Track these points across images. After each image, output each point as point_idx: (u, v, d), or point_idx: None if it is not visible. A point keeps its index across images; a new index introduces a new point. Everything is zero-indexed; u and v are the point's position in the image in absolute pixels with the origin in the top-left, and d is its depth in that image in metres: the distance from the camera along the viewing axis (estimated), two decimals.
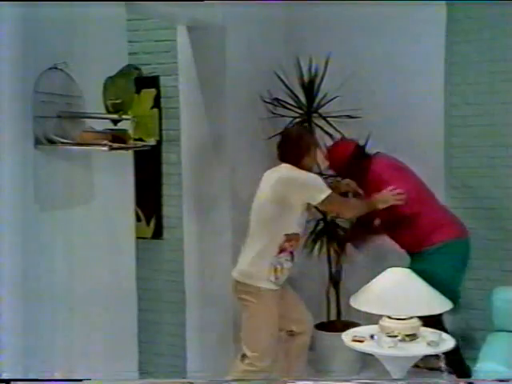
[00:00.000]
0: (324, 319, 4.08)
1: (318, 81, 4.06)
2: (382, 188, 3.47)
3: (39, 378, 2.29)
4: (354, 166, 3.64)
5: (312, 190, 3.17)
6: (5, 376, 2.20)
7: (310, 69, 4.06)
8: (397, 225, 3.60)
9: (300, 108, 4.09)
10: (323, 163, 3.73)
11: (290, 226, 3.17)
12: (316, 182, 3.20)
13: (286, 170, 3.23)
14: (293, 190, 3.16)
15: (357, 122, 3.99)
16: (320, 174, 3.58)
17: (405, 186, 3.52)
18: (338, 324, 3.97)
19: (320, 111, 4.05)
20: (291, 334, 3.38)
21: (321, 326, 3.97)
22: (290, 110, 4.09)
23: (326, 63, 3.99)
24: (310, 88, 4.08)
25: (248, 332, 3.18)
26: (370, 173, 3.64)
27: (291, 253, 3.19)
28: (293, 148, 3.26)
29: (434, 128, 4.10)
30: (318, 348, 3.95)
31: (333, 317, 4.09)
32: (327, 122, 4.00)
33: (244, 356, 3.20)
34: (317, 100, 4.06)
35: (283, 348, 3.33)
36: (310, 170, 3.29)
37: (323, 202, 3.17)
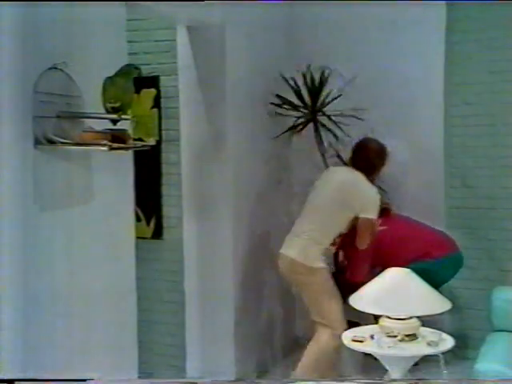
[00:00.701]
0: None
1: (323, 81, 4.05)
2: None
3: (43, 378, 2.29)
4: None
5: (369, 205, 3.47)
6: (8, 376, 2.20)
7: (311, 75, 4.07)
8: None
9: (304, 107, 4.08)
10: None
11: (344, 226, 3.53)
12: (376, 200, 3.50)
13: (358, 176, 3.53)
14: (358, 196, 3.49)
15: (356, 122, 3.99)
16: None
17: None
18: None
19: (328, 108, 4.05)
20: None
21: None
22: (295, 109, 4.09)
23: (325, 75, 4.00)
24: (314, 88, 4.07)
25: (320, 306, 3.50)
26: None
27: (334, 244, 3.67)
28: (373, 160, 3.59)
29: (434, 128, 4.10)
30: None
31: None
32: (332, 120, 3.99)
33: (318, 336, 3.50)
34: (320, 99, 4.06)
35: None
36: (373, 182, 3.57)
37: (367, 220, 3.45)
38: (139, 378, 3.12)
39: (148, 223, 3.95)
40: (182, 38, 3.68)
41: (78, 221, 2.64)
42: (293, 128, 4.13)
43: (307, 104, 4.11)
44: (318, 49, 4.17)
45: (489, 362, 2.76)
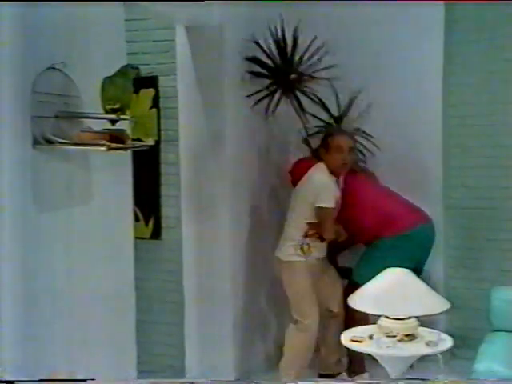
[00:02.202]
0: None
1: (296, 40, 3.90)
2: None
3: (43, 379, 2.29)
4: None
5: (322, 194, 3.58)
6: (8, 377, 2.20)
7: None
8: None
9: (276, 71, 3.85)
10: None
11: (308, 217, 3.62)
12: (329, 189, 3.59)
13: (316, 166, 3.68)
14: (311, 187, 3.64)
15: (355, 122, 4.00)
16: None
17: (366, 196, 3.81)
18: None
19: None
20: (330, 313, 3.81)
21: None
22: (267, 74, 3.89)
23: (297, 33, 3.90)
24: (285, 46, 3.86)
25: (291, 299, 3.71)
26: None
27: (319, 237, 3.66)
28: (320, 145, 3.74)
29: (433, 128, 4.10)
30: None
31: None
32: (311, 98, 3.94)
33: (295, 321, 3.69)
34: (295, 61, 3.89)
35: (323, 324, 3.75)
36: (336, 169, 3.64)
37: (321, 209, 3.58)
38: (138, 377, 3.12)
39: (147, 223, 3.95)
40: (180, 38, 3.68)
41: (77, 221, 2.64)
42: (267, 95, 3.88)
43: (279, 66, 3.86)
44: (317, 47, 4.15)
45: (487, 361, 2.76)
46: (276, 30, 3.88)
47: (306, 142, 4.07)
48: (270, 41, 3.90)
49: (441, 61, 4.07)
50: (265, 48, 3.86)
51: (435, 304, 2.81)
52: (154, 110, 3.89)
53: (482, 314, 3.39)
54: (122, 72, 2.59)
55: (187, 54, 3.67)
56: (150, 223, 3.95)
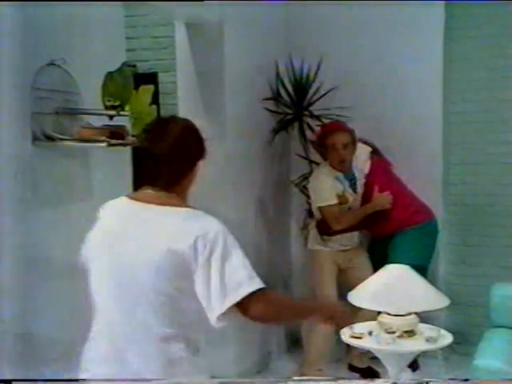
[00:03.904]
0: None
1: (310, 79, 4.07)
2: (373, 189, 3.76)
3: (39, 378, 2.29)
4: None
5: (315, 195, 3.76)
6: (5, 376, 2.20)
7: (301, 70, 4.08)
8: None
9: (291, 106, 4.09)
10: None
11: (316, 213, 3.77)
12: (318, 187, 3.71)
13: (316, 168, 3.93)
14: (309, 189, 3.85)
15: (353, 121, 4.00)
16: None
17: (390, 187, 3.79)
18: None
19: (316, 109, 4.06)
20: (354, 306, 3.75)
21: None
22: (283, 107, 4.10)
23: (319, 64, 4.03)
24: (300, 86, 4.08)
25: (313, 288, 3.84)
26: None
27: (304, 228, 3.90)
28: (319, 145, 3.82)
29: (432, 125, 4.10)
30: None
31: None
32: (319, 119, 4.01)
33: None
34: (307, 98, 4.08)
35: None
36: (336, 166, 3.70)
37: (319, 208, 3.72)
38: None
39: None
40: (180, 35, 3.67)
41: (77, 217, 2.64)
42: (281, 128, 4.11)
43: (294, 100, 4.10)
44: (316, 44, 4.16)
45: (487, 358, 2.76)
46: (292, 65, 4.10)
47: (313, 145, 4.07)
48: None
49: (441, 58, 4.07)
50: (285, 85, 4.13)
51: (435, 300, 2.81)
52: (154, 106, 3.89)
53: (482, 310, 3.39)
54: (123, 69, 2.60)
55: (187, 51, 3.66)
56: None
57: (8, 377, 2.25)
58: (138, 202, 1.91)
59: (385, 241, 3.84)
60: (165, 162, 1.90)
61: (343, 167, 3.72)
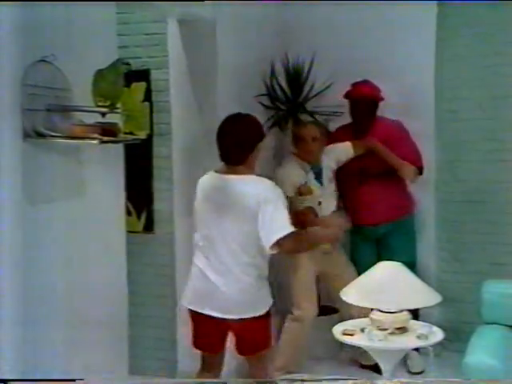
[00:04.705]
0: None
1: (303, 76, 4.07)
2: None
3: (36, 379, 2.29)
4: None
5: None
6: (2, 376, 2.20)
7: (295, 65, 4.08)
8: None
9: (285, 102, 4.08)
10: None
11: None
12: (280, 180, 3.47)
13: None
14: None
15: (347, 118, 4.00)
16: None
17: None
18: (326, 309, 4.06)
19: (310, 105, 4.06)
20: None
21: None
22: (275, 104, 4.09)
23: (312, 60, 4.04)
24: (295, 82, 4.08)
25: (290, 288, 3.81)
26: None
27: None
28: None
29: (425, 122, 4.10)
30: None
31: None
32: (312, 116, 4.02)
33: (290, 311, 3.78)
34: (302, 95, 4.08)
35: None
36: (303, 158, 3.72)
37: None
38: (129, 372, 3.12)
39: (139, 217, 3.93)
40: (172, 32, 3.66)
41: (68, 215, 2.64)
42: (274, 124, 4.12)
43: (288, 97, 4.10)
44: (309, 41, 4.16)
45: (478, 354, 2.77)
46: (288, 62, 4.09)
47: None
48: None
49: (433, 55, 4.07)
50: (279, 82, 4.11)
51: (427, 297, 2.82)
52: (146, 103, 3.87)
53: (473, 307, 3.40)
54: (114, 66, 2.58)
55: (179, 48, 3.65)
56: (143, 217, 3.93)
57: (7, 377, 2.25)
58: (222, 174, 2.87)
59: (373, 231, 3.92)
60: (236, 146, 2.82)
61: (310, 158, 3.73)
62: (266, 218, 2.70)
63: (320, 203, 3.76)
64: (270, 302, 2.89)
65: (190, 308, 2.91)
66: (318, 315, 3.95)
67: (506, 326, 3.10)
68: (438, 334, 2.82)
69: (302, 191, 3.71)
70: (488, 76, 4.06)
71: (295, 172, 3.73)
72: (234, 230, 2.77)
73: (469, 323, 3.58)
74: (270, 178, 2.96)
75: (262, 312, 2.83)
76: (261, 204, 2.71)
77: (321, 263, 3.77)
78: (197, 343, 2.97)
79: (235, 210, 2.76)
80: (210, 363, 3.00)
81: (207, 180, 2.93)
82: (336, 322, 3.10)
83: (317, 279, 3.90)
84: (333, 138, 3.98)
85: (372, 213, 3.90)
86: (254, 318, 2.81)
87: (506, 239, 4.09)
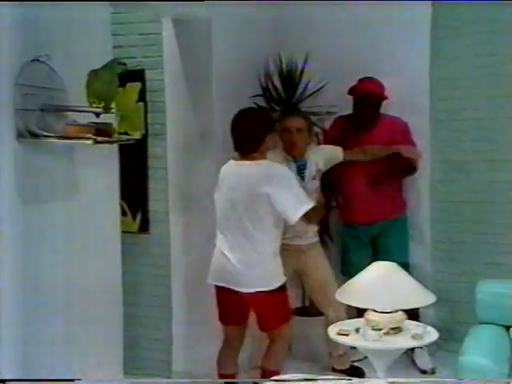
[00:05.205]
0: (299, 304, 4.20)
1: (297, 76, 4.08)
2: None
3: (34, 379, 2.29)
4: None
5: None
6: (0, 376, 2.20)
7: (288, 66, 4.09)
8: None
9: (280, 103, 4.09)
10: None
11: None
12: None
13: None
14: None
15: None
16: None
17: None
18: (311, 310, 4.07)
19: (304, 105, 4.07)
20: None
21: (296, 312, 4.02)
22: (269, 104, 4.10)
23: (306, 61, 4.05)
24: (288, 83, 4.09)
25: None
26: None
27: None
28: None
29: (420, 122, 4.10)
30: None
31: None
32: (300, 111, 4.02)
33: None
34: (297, 95, 4.09)
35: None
36: (286, 150, 3.73)
37: None
38: (125, 372, 3.11)
39: (134, 217, 3.93)
40: (167, 32, 3.66)
41: (62, 215, 2.63)
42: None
43: (282, 97, 4.11)
44: (304, 42, 4.17)
45: (472, 354, 2.77)
46: (281, 62, 4.10)
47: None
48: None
49: (428, 55, 4.08)
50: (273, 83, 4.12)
51: (422, 297, 2.82)
52: (141, 103, 3.87)
53: (468, 307, 3.40)
54: (108, 67, 2.58)
55: (174, 48, 3.66)
56: (138, 217, 3.93)
57: (7, 377, 2.24)
58: (237, 161, 3.20)
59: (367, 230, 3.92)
60: (248, 138, 3.15)
61: (294, 150, 3.69)
62: (288, 195, 3.04)
63: None
64: (282, 277, 3.16)
65: (213, 283, 3.23)
66: (303, 316, 3.97)
67: (501, 325, 3.10)
68: (432, 334, 2.82)
69: None
70: (483, 76, 4.07)
71: (280, 162, 3.66)
72: (247, 210, 3.07)
73: (463, 323, 3.59)
74: None
75: (274, 286, 3.10)
76: (275, 184, 3.04)
77: (296, 262, 3.70)
78: (221, 317, 3.30)
79: (249, 191, 3.06)
80: (232, 337, 3.32)
81: (226, 167, 3.25)
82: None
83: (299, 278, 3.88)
84: (333, 127, 3.98)
85: (367, 211, 3.90)
86: (269, 291, 3.08)
87: (500, 239, 4.09)
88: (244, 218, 3.09)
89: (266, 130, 3.14)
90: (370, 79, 3.91)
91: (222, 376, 3.34)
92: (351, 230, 4.04)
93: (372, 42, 4.14)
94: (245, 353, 3.52)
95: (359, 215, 3.95)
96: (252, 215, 3.07)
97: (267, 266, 3.13)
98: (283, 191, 3.05)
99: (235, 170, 3.17)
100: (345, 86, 4.01)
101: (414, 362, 3.92)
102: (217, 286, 3.23)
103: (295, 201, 3.05)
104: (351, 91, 3.92)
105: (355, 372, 3.81)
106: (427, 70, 4.08)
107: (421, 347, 3.84)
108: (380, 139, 3.90)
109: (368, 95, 3.86)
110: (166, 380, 3.68)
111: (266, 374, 3.22)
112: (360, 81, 3.92)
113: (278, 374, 3.19)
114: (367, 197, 3.88)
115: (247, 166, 3.13)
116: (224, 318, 3.30)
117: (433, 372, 3.85)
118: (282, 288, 3.15)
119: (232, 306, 3.22)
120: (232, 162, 3.23)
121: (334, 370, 3.88)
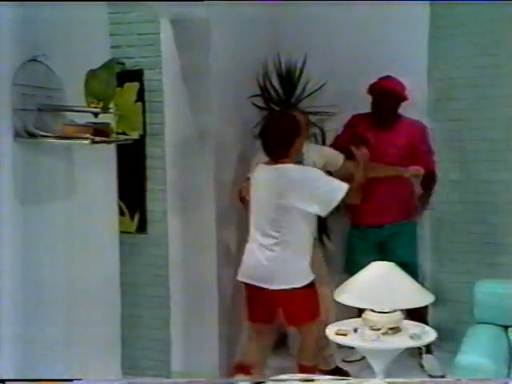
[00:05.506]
0: None
1: (296, 76, 4.08)
2: None
3: (33, 379, 2.28)
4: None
5: (252, 166, 3.61)
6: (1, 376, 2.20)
7: (287, 66, 4.09)
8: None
9: (278, 103, 4.10)
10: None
11: None
12: (254, 161, 3.62)
13: None
14: None
15: (340, 118, 4.01)
16: None
17: None
18: None
19: (302, 106, 4.07)
20: None
21: None
22: (268, 105, 4.11)
23: (305, 59, 4.05)
24: (287, 83, 4.09)
25: None
26: None
27: None
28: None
29: None
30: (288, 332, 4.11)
31: None
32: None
33: None
34: (295, 95, 4.09)
35: None
36: None
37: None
38: (123, 372, 3.11)
39: (132, 217, 3.93)
40: (165, 32, 3.66)
41: (60, 215, 2.62)
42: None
43: (281, 97, 4.11)
44: (303, 42, 4.17)
45: (469, 354, 2.78)
46: (280, 63, 4.10)
47: None
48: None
49: (425, 55, 4.08)
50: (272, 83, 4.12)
51: (420, 297, 2.83)
52: (139, 103, 3.87)
53: (467, 307, 3.40)
54: (107, 66, 2.57)
55: (172, 48, 3.65)
56: (135, 217, 3.93)
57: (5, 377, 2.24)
58: (268, 165, 3.33)
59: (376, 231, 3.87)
60: (278, 142, 3.27)
61: None
62: (317, 195, 3.18)
63: None
64: (310, 275, 3.24)
65: (242, 280, 3.33)
66: None
67: (499, 325, 3.10)
68: (430, 334, 2.82)
69: None
70: (481, 76, 4.07)
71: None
72: (277, 211, 3.21)
73: (462, 323, 3.59)
74: None
75: (301, 284, 3.19)
76: (309, 184, 3.18)
77: None
78: (249, 314, 3.40)
79: (280, 193, 3.20)
80: (259, 335, 3.41)
81: (258, 170, 3.40)
82: None
83: None
84: (349, 124, 3.92)
85: (378, 212, 3.83)
86: (298, 288, 3.18)
87: (498, 239, 4.10)
88: (275, 218, 3.21)
89: (295, 134, 3.26)
90: (389, 78, 3.84)
91: (242, 370, 3.37)
92: (359, 232, 3.97)
93: (370, 41, 4.14)
94: None
95: (369, 217, 3.87)
96: (283, 215, 3.19)
97: (297, 264, 3.23)
98: (317, 188, 3.17)
99: (267, 173, 3.29)
100: (344, 86, 4.02)
101: (422, 367, 3.90)
102: (246, 284, 3.32)
103: (331, 191, 3.17)
104: (370, 90, 3.86)
105: (340, 373, 3.79)
106: (425, 70, 4.09)
107: (430, 353, 3.85)
108: (400, 140, 3.84)
109: (387, 94, 3.79)
110: (165, 380, 3.68)
111: (302, 370, 3.30)
112: (380, 79, 3.85)
113: (314, 369, 3.37)
114: (378, 198, 3.80)
115: (278, 169, 3.25)
116: (252, 315, 3.39)
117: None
118: (311, 285, 3.23)
119: (260, 303, 3.31)
120: (263, 165, 3.35)
121: (320, 371, 3.87)
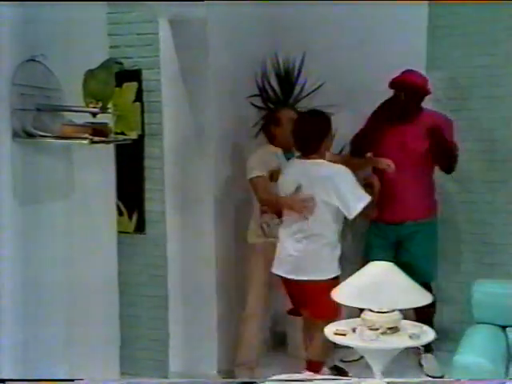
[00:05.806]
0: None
1: (294, 76, 4.08)
2: None
3: (33, 379, 2.28)
4: None
5: (246, 170, 3.70)
6: (1, 376, 2.19)
7: (285, 66, 4.09)
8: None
9: (277, 103, 4.10)
10: None
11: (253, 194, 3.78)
12: (250, 162, 3.69)
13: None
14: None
15: (338, 118, 4.00)
16: None
17: None
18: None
19: (301, 105, 4.07)
20: None
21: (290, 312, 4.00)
22: (266, 104, 4.11)
23: (303, 59, 4.06)
24: (285, 83, 4.09)
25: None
26: None
27: (276, 213, 3.64)
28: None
29: None
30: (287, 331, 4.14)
31: None
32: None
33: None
34: (294, 95, 4.10)
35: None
36: (278, 143, 3.75)
37: (250, 182, 3.67)
38: (121, 372, 3.11)
39: (130, 218, 3.93)
40: (164, 32, 3.66)
41: (59, 215, 2.62)
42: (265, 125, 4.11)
43: (279, 97, 4.12)
44: (300, 41, 4.17)
45: (468, 354, 2.78)
46: (278, 63, 4.11)
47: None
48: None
49: (424, 55, 4.09)
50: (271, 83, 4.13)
51: (418, 297, 2.83)
52: (138, 103, 3.87)
53: (464, 306, 3.41)
54: (105, 66, 2.57)
55: (171, 48, 3.65)
56: (134, 217, 3.93)
57: (5, 376, 2.24)
58: (300, 159, 3.46)
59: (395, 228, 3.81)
60: (309, 139, 3.40)
61: (284, 143, 3.66)
62: (346, 193, 3.28)
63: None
64: (337, 269, 3.37)
65: (275, 272, 3.46)
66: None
67: (497, 325, 3.10)
68: (429, 334, 2.83)
69: (275, 177, 3.63)
70: (480, 76, 4.08)
71: (267, 157, 3.68)
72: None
73: (460, 323, 3.60)
74: None
75: (327, 276, 3.32)
76: (335, 183, 3.28)
77: None
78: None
79: (309, 189, 3.33)
80: (303, 325, 3.60)
81: (290, 164, 3.53)
82: None
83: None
84: (374, 115, 3.84)
85: (398, 208, 3.75)
86: (322, 281, 3.29)
87: (497, 239, 4.11)
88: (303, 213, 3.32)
89: (325, 132, 3.39)
90: (411, 71, 3.79)
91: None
92: (378, 229, 3.87)
93: (368, 41, 4.15)
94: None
95: (389, 213, 3.76)
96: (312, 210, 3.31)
97: (322, 257, 3.35)
98: (341, 190, 3.28)
99: (298, 168, 3.42)
100: (342, 86, 4.01)
101: (420, 366, 3.90)
102: (281, 277, 3.45)
103: (353, 198, 3.28)
104: (392, 84, 3.78)
105: (337, 371, 3.80)
106: (424, 69, 4.08)
107: (431, 353, 3.84)
108: (419, 132, 3.74)
109: (408, 87, 3.73)
110: (163, 380, 3.68)
111: (310, 366, 3.41)
112: (402, 73, 3.79)
113: (322, 365, 3.50)
114: (399, 195, 3.73)
115: (308, 164, 3.38)
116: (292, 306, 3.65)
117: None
118: (337, 279, 3.27)
119: (291, 295, 3.51)
120: (295, 159, 3.49)
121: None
